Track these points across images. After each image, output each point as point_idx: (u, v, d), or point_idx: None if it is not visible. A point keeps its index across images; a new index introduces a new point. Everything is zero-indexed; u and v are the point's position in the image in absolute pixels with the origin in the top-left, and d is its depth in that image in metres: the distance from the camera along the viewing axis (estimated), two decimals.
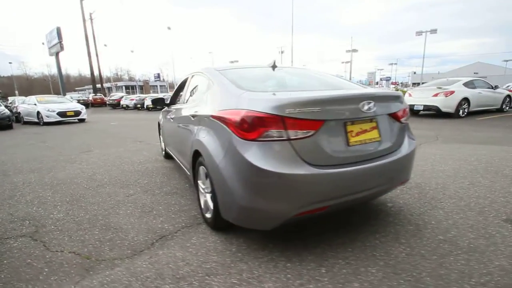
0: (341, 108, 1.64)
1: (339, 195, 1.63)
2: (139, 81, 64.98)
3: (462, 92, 8.73)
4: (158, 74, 61.77)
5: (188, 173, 2.71)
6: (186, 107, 2.78)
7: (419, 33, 26.25)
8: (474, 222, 2.13)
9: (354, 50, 41.19)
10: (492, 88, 9.65)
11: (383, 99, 1.81)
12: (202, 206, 2.30)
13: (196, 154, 2.26)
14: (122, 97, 26.26)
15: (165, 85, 60.14)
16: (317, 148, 1.57)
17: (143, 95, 25.45)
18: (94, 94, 30.71)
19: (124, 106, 24.46)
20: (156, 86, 61.34)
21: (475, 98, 8.87)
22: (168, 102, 3.95)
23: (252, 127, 1.53)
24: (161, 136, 4.72)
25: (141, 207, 2.63)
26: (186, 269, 1.67)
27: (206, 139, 1.94)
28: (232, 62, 52.04)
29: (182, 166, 3.06)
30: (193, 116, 2.33)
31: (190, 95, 2.91)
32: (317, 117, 1.57)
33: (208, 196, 2.13)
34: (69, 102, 13.07)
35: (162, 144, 4.62)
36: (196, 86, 2.78)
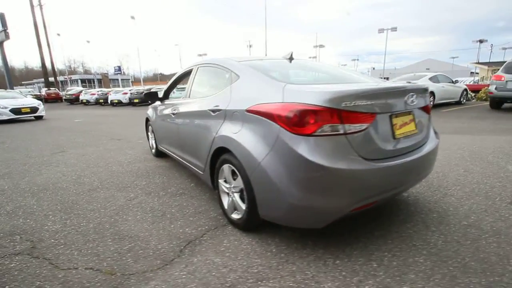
0: (390, 101, 1.62)
1: (388, 189, 1.62)
2: (97, 74, 60.30)
3: (428, 86, 9.41)
4: (119, 67, 57.73)
5: (200, 172, 2.53)
6: (196, 102, 2.58)
7: (381, 30, 28.09)
8: (485, 206, 2.27)
9: (321, 46, 42.51)
10: (452, 82, 10.57)
11: (419, 92, 1.83)
12: (226, 207, 2.16)
13: (219, 152, 2.11)
14: (81, 91, 24.16)
15: (129, 79, 56.44)
16: (370, 141, 1.54)
17: (106, 89, 23.67)
18: (47, 89, 27.78)
19: (84, 101, 22.56)
20: (117, 79, 57.40)
21: (440, 92, 9.65)
22: (161, 96, 3.67)
23: (307, 121, 1.44)
24: (150, 133, 4.38)
25: (151, 211, 2.40)
26: (233, 276, 1.54)
27: (240, 135, 1.80)
28: (200, 55, 50.68)
29: (187, 165, 2.85)
30: (213, 111, 2.16)
31: (199, 89, 2.70)
32: (371, 110, 1.53)
33: (237, 195, 2.00)
34: (23, 98, 11.63)
35: (152, 141, 4.30)
36: (209, 78, 2.58)
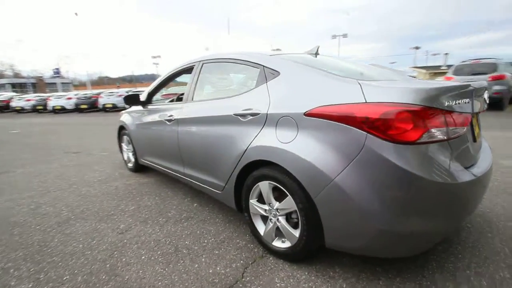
0: (477, 99, 1.40)
1: (475, 206, 1.41)
2: (31, 77, 52.96)
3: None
4: (58, 69, 51.46)
5: (217, 191, 2.06)
6: (208, 105, 2.11)
7: (334, 36, 29.86)
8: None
9: (278, 50, 43.33)
10: None
11: (485, 91, 1.66)
12: (263, 233, 1.75)
13: (250, 166, 1.70)
14: (12, 97, 20.79)
15: (69, 83, 50.47)
16: (465, 147, 1.30)
17: (44, 94, 20.79)
18: None
19: (18, 108, 19.47)
20: (55, 83, 50.99)
21: None
22: (143, 100, 3.05)
23: (410, 125, 1.13)
24: (125, 144, 3.67)
25: (158, 247, 1.86)
26: None
27: (295, 145, 1.42)
28: (154, 57, 47.89)
29: (194, 182, 2.35)
30: (243, 115, 1.73)
31: (209, 89, 2.23)
32: (465, 110, 1.29)
33: (283, 219, 1.61)
34: None
35: (129, 154, 3.60)
36: (224, 77, 2.13)
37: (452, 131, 1.21)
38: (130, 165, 3.64)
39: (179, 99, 3.39)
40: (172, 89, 14.63)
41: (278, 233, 1.68)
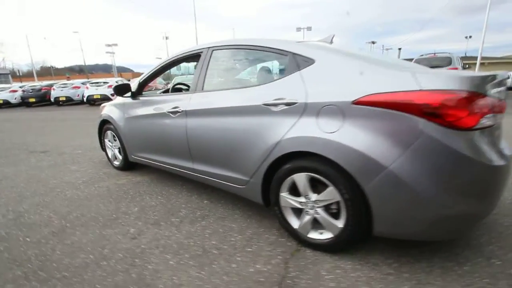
0: (500, 88, 1.49)
1: None
2: None
3: None
4: None
5: (239, 186, 1.96)
6: (225, 95, 1.96)
7: (298, 29, 30.39)
8: None
9: None
10: None
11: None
12: (297, 226, 1.71)
13: (282, 158, 1.63)
14: None
15: (7, 73, 44.28)
16: (499, 132, 1.38)
17: None
18: None
19: None
20: None
21: None
22: (134, 90, 2.77)
23: (470, 112, 1.16)
24: (109, 141, 3.32)
25: (183, 250, 1.72)
26: None
27: (342, 135, 1.38)
28: (109, 45, 44.10)
29: (206, 178, 2.20)
30: (274, 105, 1.64)
31: (223, 78, 2.07)
32: (502, 97, 1.36)
33: (321, 211, 1.58)
34: None
35: (115, 151, 3.27)
36: (241, 65, 1.99)
37: (496, 118, 1.28)
38: (116, 163, 3.31)
39: (168, 90, 3.16)
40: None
41: (314, 224, 1.66)
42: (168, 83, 19.28)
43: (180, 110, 2.21)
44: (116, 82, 14.31)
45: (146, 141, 2.69)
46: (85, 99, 13.54)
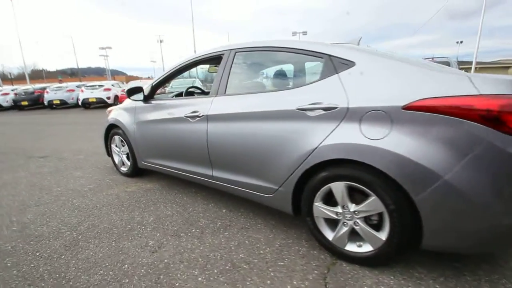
0: None
1: None
2: None
3: None
4: None
5: (266, 195, 1.85)
6: (252, 99, 1.87)
7: (294, 33, 30.63)
8: None
9: None
10: None
11: None
12: (331, 238, 1.61)
13: (319, 167, 1.54)
14: None
15: None
16: None
17: None
18: None
19: None
20: None
21: None
22: (147, 94, 2.66)
23: None
24: (116, 146, 3.18)
25: (212, 266, 1.59)
26: None
27: (390, 142, 1.30)
28: (103, 48, 43.67)
29: (227, 186, 2.09)
30: (311, 109, 1.55)
31: (248, 81, 1.98)
32: None
33: (361, 222, 1.49)
34: None
35: (122, 157, 3.13)
36: (268, 68, 1.90)
37: None
38: (124, 169, 3.17)
39: (182, 94, 3.05)
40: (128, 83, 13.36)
41: (352, 236, 1.56)
42: (165, 86, 19.27)
43: (200, 115, 2.10)
44: (112, 85, 14.07)
45: (159, 146, 2.56)
46: (80, 102, 13.25)
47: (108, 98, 13.20)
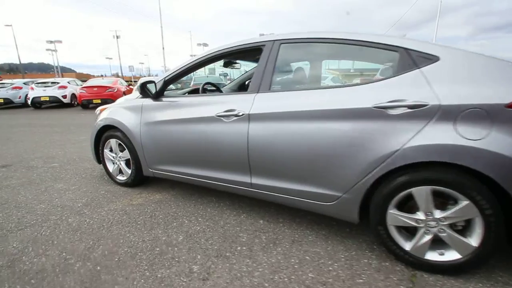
0: None
1: None
2: None
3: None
4: None
5: (326, 203, 1.66)
6: (310, 96, 1.65)
7: (261, 34, 30.75)
8: None
9: (205, 44, 41.87)
10: (342, 83, 12.82)
11: None
12: (409, 248, 1.48)
13: (397, 171, 1.40)
14: None
15: None
16: None
17: None
18: None
19: None
20: None
21: None
22: (157, 90, 2.28)
23: None
24: (110, 152, 2.71)
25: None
26: None
27: (494, 142, 1.20)
28: (51, 42, 39.19)
29: (263, 193, 1.86)
30: (391, 107, 1.40)
31: (302, 77, 1.75)
32: None
33: (448, 228, 1.38)
34: None
35: (120, 163, 2.67)
36: (326, 62, 1.70)
37: None
38: (121, 178, 2.71)
39: (197, 90, 2.71)
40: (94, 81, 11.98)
41: (432, 244, 1.45)
42: (130, 84, 17.71)
43: (240, 114, 1.83)
44: (68, 82, 12.59)
45: (178, 151, 2.20)
46: (29, 101, 11.58)
47: (64, 96, 11.77)
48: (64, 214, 2.17)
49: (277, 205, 1.99)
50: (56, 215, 2.16)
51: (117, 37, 45.11)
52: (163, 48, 20.69)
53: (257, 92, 1.84)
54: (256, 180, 1.89)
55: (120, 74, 47.87)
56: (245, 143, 1.83)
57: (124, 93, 11.81)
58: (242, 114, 1.82)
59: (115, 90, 11.22)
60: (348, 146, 1.52)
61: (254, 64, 3.25)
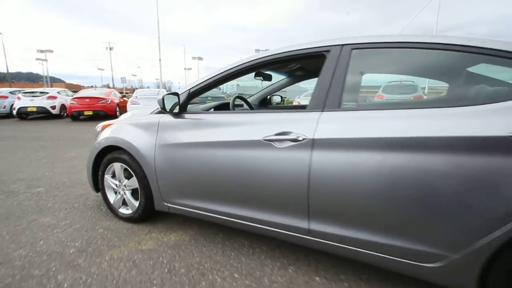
0: None
1: None
2: None
3: None
4: None
5: (415, 263, 1.20)
6: (403, 117, 1.23)
7: (257, 50, 30.93)
8: None
9: (200, 58, 41.70)
10: None
11: None
12: None
13: None
14: None
15: None
16: None
17: None
18: None
19: None
20: None
21: None
22: (180, 103, 1.83)
23: None
24: (112, 179, 2.19)
25: None
26: None
27: None
28: (42, 51, 38.34)
29: (327, 244, 1.39)
30: None
31: (391, 91, 1.33)
32: None
33: None
34: None
35: (125, 193, 2.15)
36: (435, 71, 1.29)
37: None
38: (125, 211, 2.18)
39: (224, 105, 2.27)
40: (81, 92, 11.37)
41: None
42: (124, 95, 16.97)
43: (299, 138, 1.38)
44: (58, 92, 11.96)
45: (207, 182, 1.71)
46: (14, 111, 10.85)
47: (53, 107, 11.12)
48: (51, 266, 1.63)
49: (331, 254, 1.53)
50: (41, 268, 1.61)
51: (110, 48, 44.78)
52: (160, 60, 20.11)
53: (322, 110, 1.40)
54: (316, 226, 1.42)
55: (111, 85, 47.13)
56: (305, 177, 1.38)
57: (118, 105, 11.25)
58: (304, 139, 1.37)
59: (109, 102, 10.63)
60: (472, 187, 1.08)
61: (279, 77, 2.87)
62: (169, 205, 1.93)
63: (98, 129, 2.39)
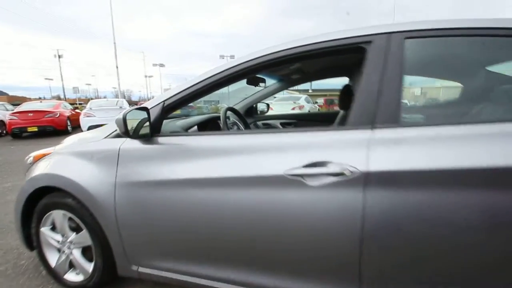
0: None
1: None
2: None
3: (306, 105, 10.78)
4: None
5: None
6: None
7: (222, 56, 30.19)
8: None
9: (161, 65, 39.63)
10: (313, 103, 12.86)
11: None
12: None
13: None
14: None
15: None
16: None
17: None
18: None
19: None
20: None
21: (309, 109, 11.32)
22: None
23: None
24: (52, 233, 1.52)
25: None
26: None
27: None
28: None
29: None
30: None
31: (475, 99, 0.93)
32: None
33: None
34: None
35: (73, 253, 1.49)
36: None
37: None
38: (73, 278, 1.52)
39: (211, 121, 1.72)
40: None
41: None
42: (77, 107, 14.89)
43: (346, 172, 0.92)
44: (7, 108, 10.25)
45: (198, 236, 1.17)
46: None
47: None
48: None
49: None
50: None
51: (59, 56, 40.94)
52: (117, 67, 18.31)
53: (372, 128, 0.96)
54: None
55: (62, 96, 42.92)
56: (357, 227, 0.91)
57: (69, 118, 9.92)
58: (352, 172, 0.91)
59: (57, 115, 9.30)
60: None
61: (270, 81, 2.42)
62: (139, 268, 1.33)
63: (28, 161, 1.70)
